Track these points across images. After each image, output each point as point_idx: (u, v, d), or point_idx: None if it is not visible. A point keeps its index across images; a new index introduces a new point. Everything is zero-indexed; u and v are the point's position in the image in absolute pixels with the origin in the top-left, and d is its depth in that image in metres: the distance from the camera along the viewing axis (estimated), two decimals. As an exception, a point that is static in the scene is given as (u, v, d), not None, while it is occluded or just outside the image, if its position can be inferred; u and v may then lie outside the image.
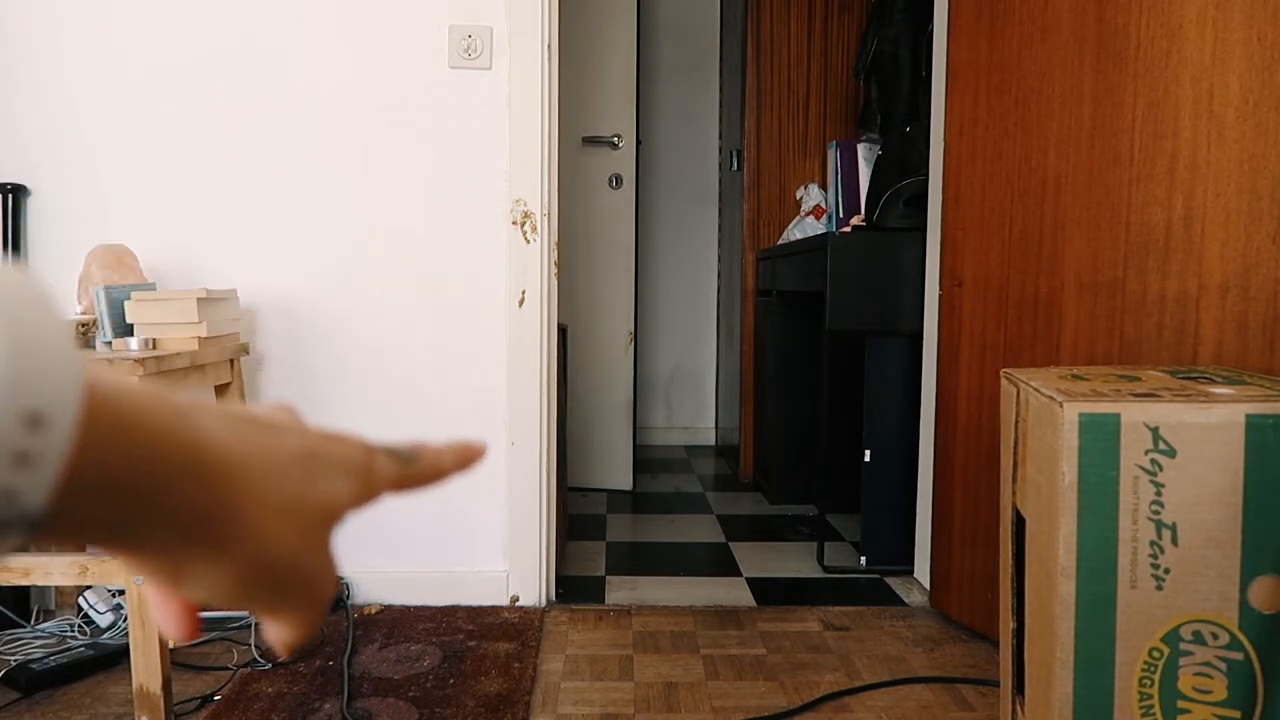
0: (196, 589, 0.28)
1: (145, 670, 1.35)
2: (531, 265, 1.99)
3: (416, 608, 1.97)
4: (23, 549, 0.22)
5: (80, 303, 1.76)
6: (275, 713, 1.49)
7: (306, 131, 1.98)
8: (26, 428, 0.21)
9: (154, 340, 1.68)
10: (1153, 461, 0.91)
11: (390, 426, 2.02)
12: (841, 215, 2.80)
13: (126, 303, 1.68)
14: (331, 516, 0.31)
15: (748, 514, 2.85)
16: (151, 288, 1.78)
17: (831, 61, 3.13)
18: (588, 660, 1.73)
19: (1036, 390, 1.03)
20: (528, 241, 1.98)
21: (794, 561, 2.36)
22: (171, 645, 1.67)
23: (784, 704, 1.55)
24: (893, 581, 2.19)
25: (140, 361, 1.48)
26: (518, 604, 2.02)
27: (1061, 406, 0.93)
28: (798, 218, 3.01)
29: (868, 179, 2.62)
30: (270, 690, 1.57)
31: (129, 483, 0.24)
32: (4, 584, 1.48)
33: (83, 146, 1.97)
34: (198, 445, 0.26)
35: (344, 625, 1.85)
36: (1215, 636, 0.91)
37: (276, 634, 0.31)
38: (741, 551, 2.45)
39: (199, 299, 1.69)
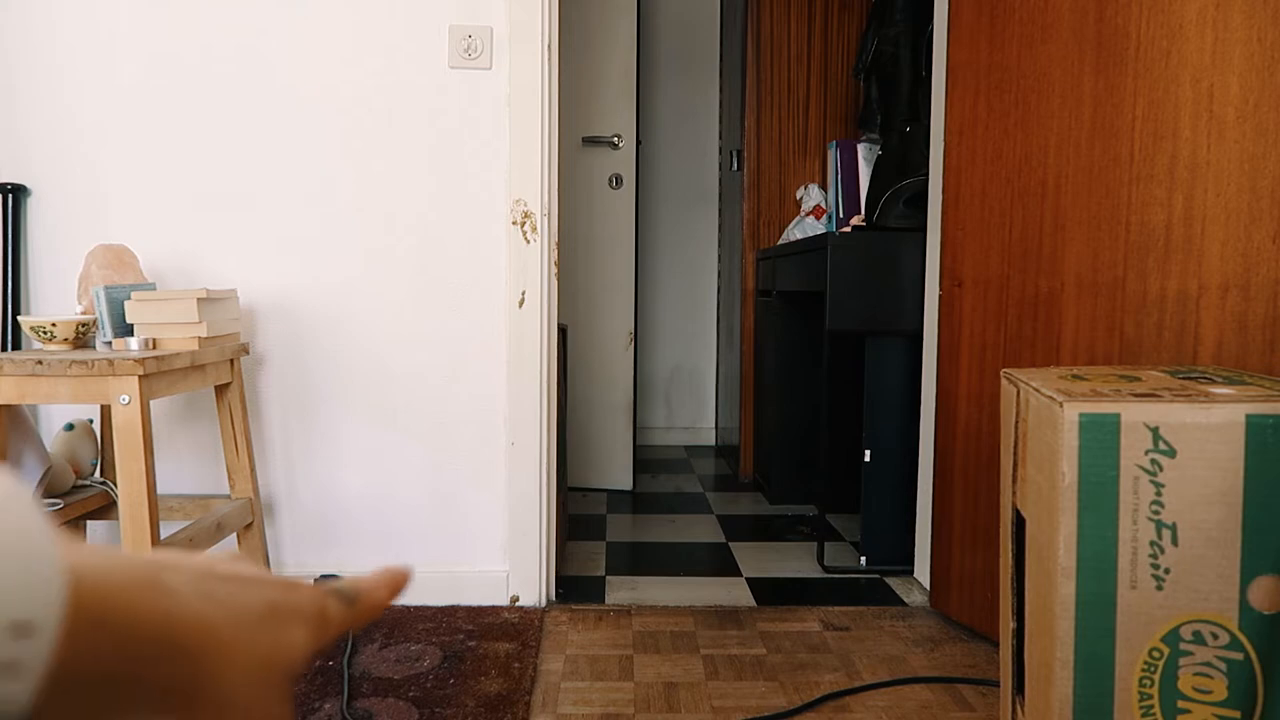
0: None
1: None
2: (531, 265, 1.99)
3: (416, 608, 1.97)
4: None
5: (80, 303, 1.76)
6: (275, 713, 1.49)
7: (306, 131, 1.98)
8: (12, 637, 0.21)
9: (154, 340, 1.68)
10: (1153, 461, 0.91)
11: (390, 427, 2.02)
12: (841, 215, 2.80)
13: (126, 303, 1.68)
14: (292, 668, 0.32)
15: (748, 514, 2.85)
16: (151, 288, 1.78)
17: (831, 61, 3.13)
18: (588, 660, 1.73)
19: (1036, 390, 1.03)
20: (528, 241, 1.98)
21: (794, 561, 2.36)
22: None
23: (784, 704, 1.55)
24: (893, 581, 2.19)
25: (140, 361, 1.48)
26: (518, 604, 2.02)
27: (1061, 406, 0.93)
28: (798, 218, 3.01)
29: (868, 179, 2.62)
30: (270, 690, 1.56)
31: (107, 672, 0.24)
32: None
33: (83, 146, 1.97)
34: (173, 622, 0.27)
35: (344, 625, 1.85)
36: (1215, 636, 0.91)
37: None
38: (741, 551, 2.45)
39: (199, 299, 1.69)
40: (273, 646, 0.31)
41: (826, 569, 2.29)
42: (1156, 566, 0.91)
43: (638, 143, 3.08)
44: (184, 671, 0.27)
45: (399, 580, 0.39)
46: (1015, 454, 1.13)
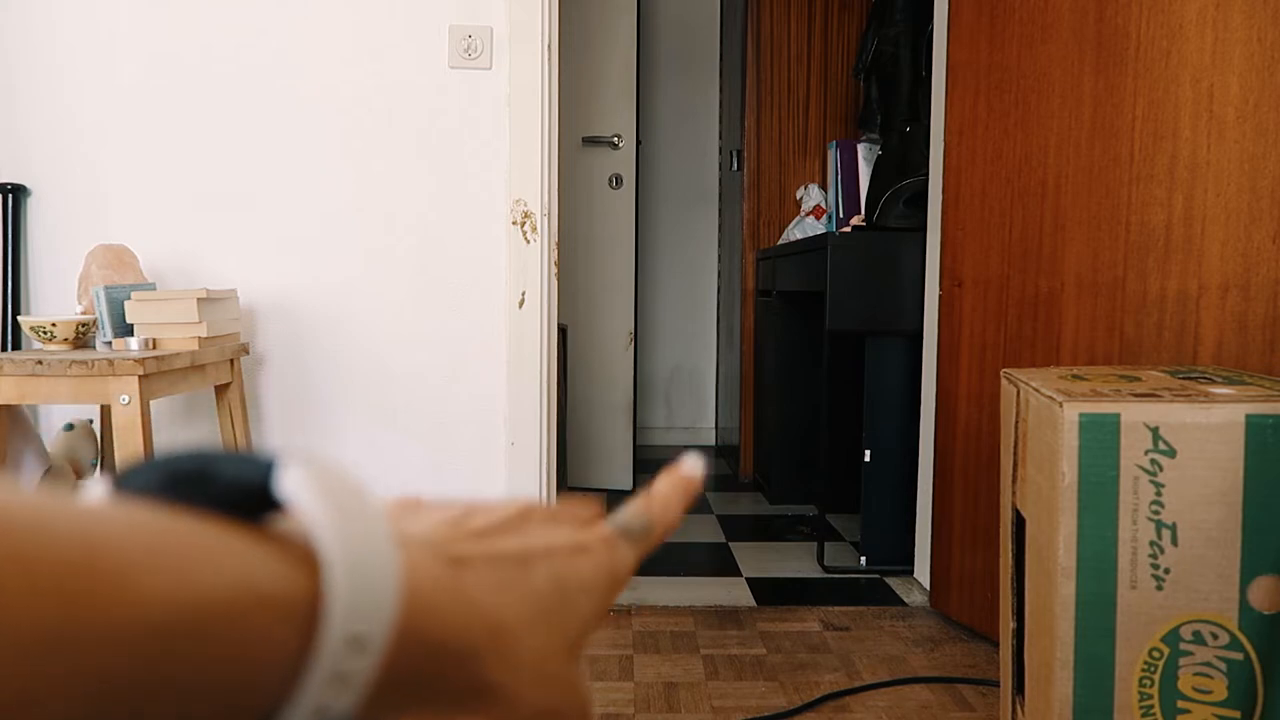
0: None
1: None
2: (531, 265, 1.99)
3: (416, 608, 1.97)
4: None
5: (80, 303, 1.76)
6: (275, 713, 1.49)
7: (306, 131, 1.98)
8: (348, 651, 0.21)
9: (154, 340, 1.68)
10: (1153, 461, 0.91)
11: (390, 427, 2.02)
12: (841, 215, 2.80)
13: (126, 303, 1.68)
14: (582, 643, 0.31)
15: (748, 514, 2.85)
16: (151, 288, 1.78)
17: (831, 61, 3.13)
18: (587, 660, 1.73)
19: (1036, 390, 1.03)
20: (528, 241, 1.98)
21: (794, 561, 2.36)
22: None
23: (784, 704, 1.55)
24: (893, 581, 2.19)
25: (140, 361, 1.48)
26: (518, 604, 2.01)
27: (1061, 406, 0.93)
28: (798, 218, 3.01)
29: (868, 179, 2.62)
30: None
31: (416, 678, 0.25)
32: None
33: (83, 146, 1.97)
34: (471, 626, 0.27)
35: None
36: (1215, 636, 0.91)
37: None
38: (741, 551, 2.45)
39: (199, 299, 1.69)
40: (561, 629, 0.30)
41: (826, 569, 2.29)
42: (1156, 566, 0.91)
43: (638, 143, 3.08)
44: (480, 672, 0.27)
45: (692, 488, 0.35)
46: (1015, 454, 1.13)
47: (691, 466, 0.36)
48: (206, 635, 0.19)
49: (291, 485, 0.23)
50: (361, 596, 0.22)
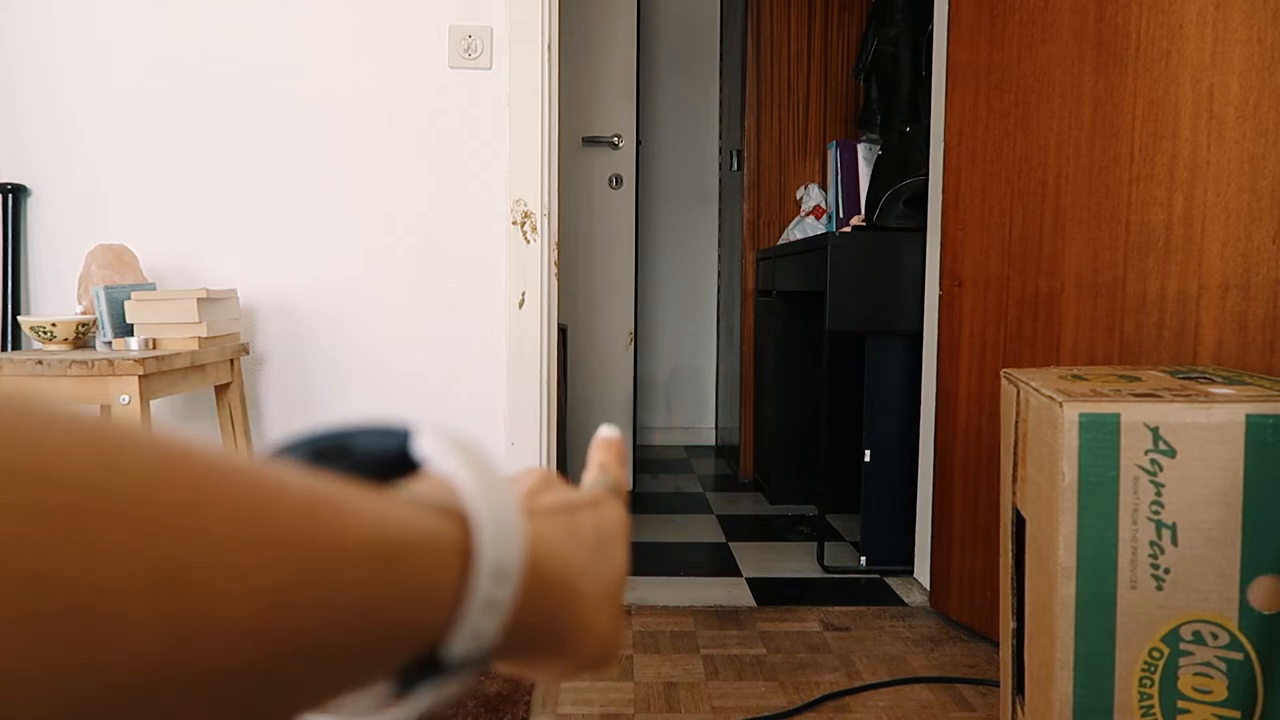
0: (538, 676, 0.33)
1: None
2: (531, 265, 1.99)
3: (416, 608, 1.97)
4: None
5: (80, 303, 1.76)
6: (275, 713, 1.49)
7: (306, 132, 1.98)
8: (494, 581, 0.25)
9: (154, 340, 1.68)
10: (1153, 461, 0.91)
11: (390, 426, 2.02)
12: (841, 215, 2.80)
13: (126, 303, 1.68)
14: (623, 585, 0.35)
15: (748, 514, 2.85)
16: (151, 288, 1.78)
17: (831, 61, 3.13)
18: (588, 660, 1.73)
19: (1036, 390, 1.03)
20: (528, 242, 1.98)
21: (794, 561, 2.36)
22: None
23: (784, 704, 1.55)
24: (893, 581, 2.19)
25: (140, 361, 1.48)
26: (518, 604, 2.02)
27: (1061, 406, 0.93)
28: (798, 218, 3.01)
29: (868, 179, 2.62)
30: (270, 690, 1.57)
31: (538, 614, 0.28)
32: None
33: (83, 146, 1.97)
34: (566, 573, 0.30)
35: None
36: (1215, 636, 0.91)
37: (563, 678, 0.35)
38: (741, 551, 2.45)
39: (199, 299, 1.69)
40: (611, 570, 0.33)
41: (826, 569, 2.29)
42: (1156, 566, 0.91)
43: (638, 143, 3.08)
44: (573, 611, 0.30)
45: (620, 448, 0.41)
46: (1015, 454, 1.13)
47: (609, 431, 0.42)
48: (401, 564, 0.22)
49: (429, 448, 0.27)
50: (501, 532, 0.25)
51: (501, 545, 0.25)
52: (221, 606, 0.17)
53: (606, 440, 0.41)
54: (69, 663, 0.14)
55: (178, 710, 0.16)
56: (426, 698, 0.25)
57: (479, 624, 0.24)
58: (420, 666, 0.25)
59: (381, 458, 0.27)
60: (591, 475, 0.39)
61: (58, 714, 0.14)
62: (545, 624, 0.29)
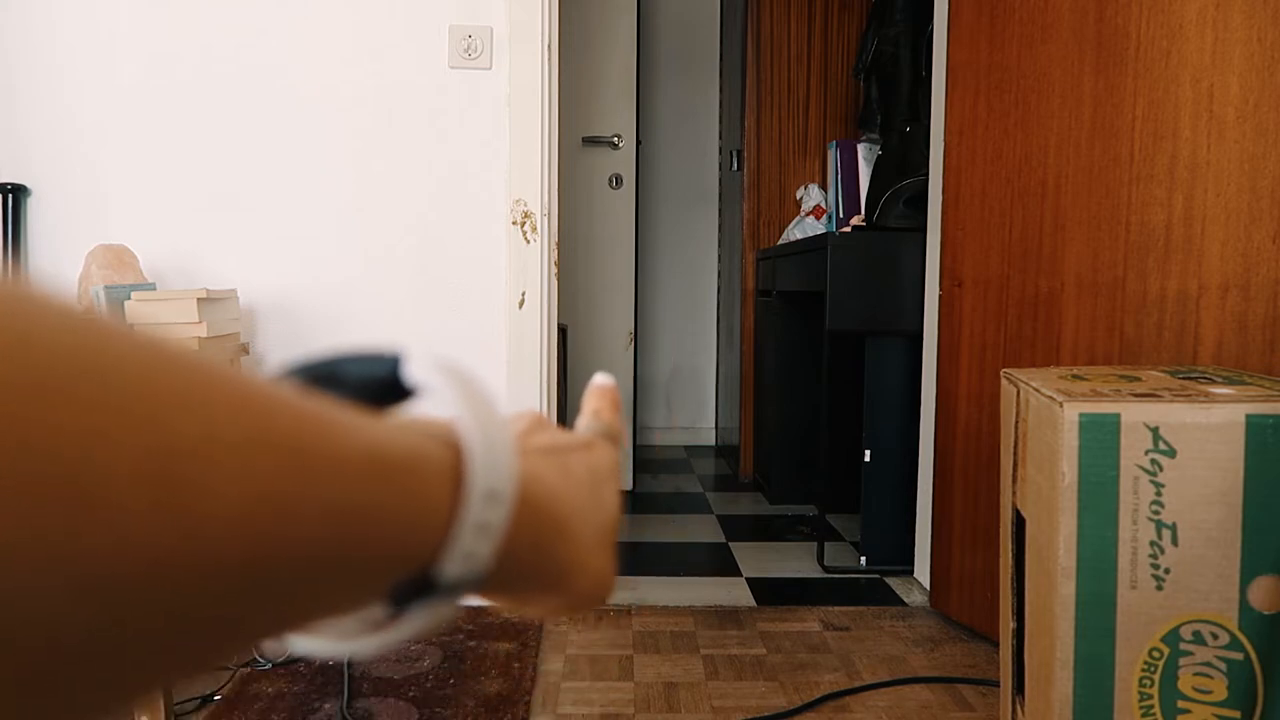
0: (532, 612, 0.33)
1: (145, 670, 1.35)
2: (531, 265, 1.99)
3: (416, 608, 1.97)
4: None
5: (80, 303, 1.76)
6: (275, 712, 1.49)
7: (306, 132, 1.98)
8: (486, 503, 0.25)
9: (154, 340, 1.68)
10: (1153, 461, 0.91)
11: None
12: (841, 215, 2.80)
13: (126, 303, 1.68)
14: (615, 525, 0.35)
15: (748, 514, 2.85)
16: (151, 288, 1.78)
17: (831, 61, 3.13)
18: (588, 660, 1.73)
19: (1036, 390, 1.03)
20: (528, 241, 1.98)
21: (794, 561, 2.36)
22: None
23: (784, 704, 1.55)
24: (893, 581, 2.19)
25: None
26: (518, 604, 2.01)
27: (1061, 406, 0.93)
28: (798, 218, 3.01)
29: (868, 179, 2.62)
30: (270, 690, 1.57)
31: (529, 547, 0.28)
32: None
33: (83, 146, 1.97)
34: (559, 510, 0.31)
35: (344, 625, 1.85)
36: (1215, 636, 0.91)
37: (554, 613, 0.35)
38: (741, 551, 2.45)
39: (199, 299, 1.69)
40: (602, 511, 0.34)
41: (826, 569, 2.29)
42: (1156, 566, 0.91)
43: (638, 143, 3.08)
44: (564, 549, 0.30)
45: (615, 396, 0.41)
46: (1015, 454, 1.13)
47: (604, 379, 0.42)
48: (396, 479, 0.22)
49: (421, 373, 0.27)
50: (493, 457, 0.25)
51: (494, 470, 0.25)
52: (218, 506, 0.17)
53: (601, 387, 0.41)
54: (54, 531, 0.14)
55: (174, 609, 0.17)
56: (419, 618, 0.25)
57: (471, 546, 0.24)
58: (413, 590, 0.25)
59: (373, 384, 0.27)
60: (585, 421, 0.39)
61: (55, 591, 0.14)
62: (537, 558, 0.29)
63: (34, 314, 0.15)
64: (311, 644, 0.25)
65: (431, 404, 0.27)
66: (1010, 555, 1.18)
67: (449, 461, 0.24)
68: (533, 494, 0.28)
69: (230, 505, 0.17)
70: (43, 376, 0.14)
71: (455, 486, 0.24)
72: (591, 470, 0.34)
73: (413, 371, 0.27)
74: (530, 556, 0.28)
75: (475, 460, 0.25)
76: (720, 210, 3.88)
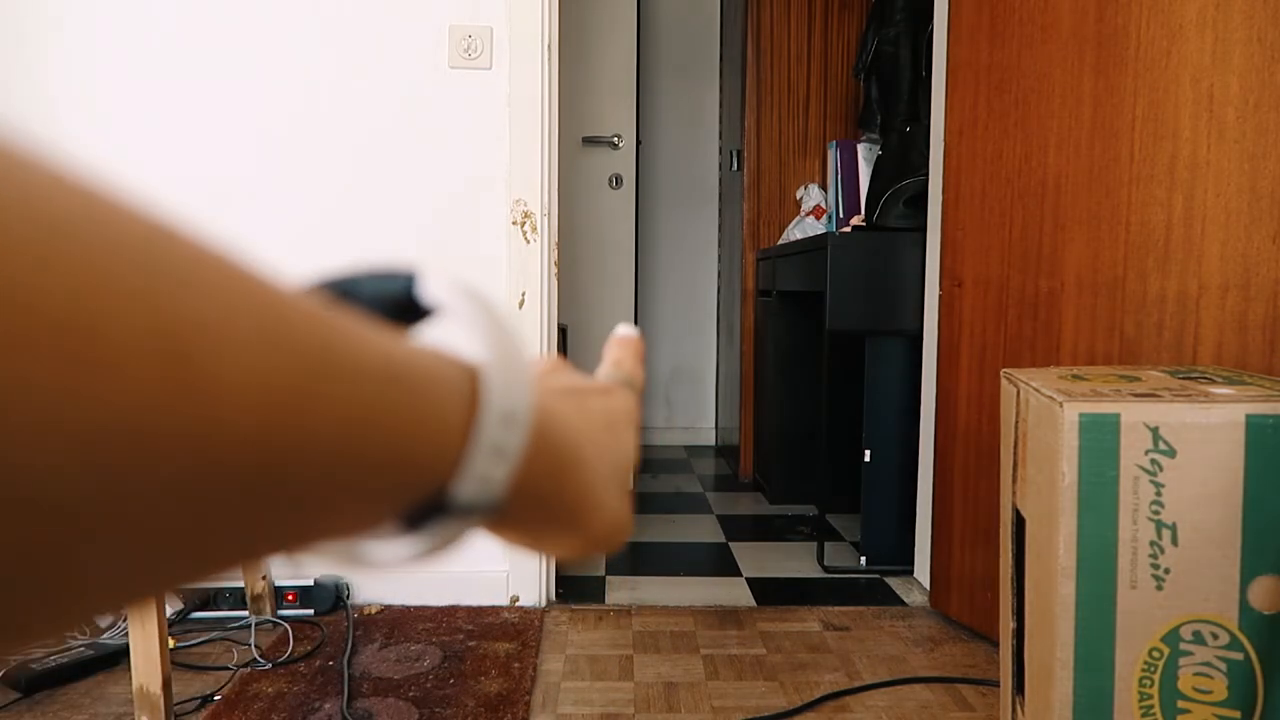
0: (550, 552, 0.33)
1: (145, 670, 1.35)
2: (531, 265, 1.99)
3: (416, 608, 1.97)
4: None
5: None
6: (275, 712, 1.49)
7: (306, 131, 1.98)
8: (503, 426, 0.24)
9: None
10: (1153, 461, 0.91)
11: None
12: (841, 215, 2.80)
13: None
14: (630, 469, 0.35)
15: (748, 514, 2.85)
16: (151, 288, 1.78)
17: (831, 61, 3.13)
18: (588, 660, 1.73)
19: (1036, 390, 1.03)
20: (528, 242, 1.98)
21: (794, 561, 2.36)
22: (172, 646, 1.67)
23: (784, 704, 1.55)
24: (893, 581, 2.19)
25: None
26: (518, 604, 2.02)
27: (1061, 406, 0.93)
28: (798, 218, 3.01)
29: (868, 179, 2.62)
30: (270, 690, 1.57)
31: (544, 478, 0.28)
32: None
33: (82, 146, 1.97)
34: (576, 444, 0.30)
35: (344, 625, 1.85)
36: (1215, 636, 0.91)
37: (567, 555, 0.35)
38: (741, 551, 2.45)
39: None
40: (619, 452, 0.34)
41: (826, 569, 2.29)
42: (1156, 566, 0.91)
43: (638, 143, 3.09)
44: (578, 487, 0.30)
45: (638, 346, 0.41)
46: (1015, 454, 1.13)
47: (627, 329, 0.41)
48: (413, 389, 0.22)
49: (437, 291, 0.26)
50: (510, 380, 0.25)
51: (511, 393, 0.24)
52: (229, 390, 0.17)
53: (624, 338, 0.40)
54: (50, 386, 0.14)
55: (183, 494, 0.16)
56: (433, 536, 0.25)
57: (486, 469, 0.24)
58: (427, 512, 0.24)
59: (389, 301, 0.26)
60: (605, 370, 0.39)
61: (54, 449, 0.14)
62: (554, 492, 0.29)
63: (33, 169, 0.15)
64: (322, 564, 0.25)
65: (448, 325, 0.26)
66: (1010, 555, 1.18)
67: (466, 382, 0.24)
68: (549, 427, 0.27)
69: (243, 394, 0.17)
70: (39, 233, 0.14)
71: (471, 407, 0.24)
72: (608, 412, 0.34)
73: (430, 290, 0.26)
74: (547, 487, 0.28)
75: (492, 381, 0.24)
76: (720, 210, 3.88)
